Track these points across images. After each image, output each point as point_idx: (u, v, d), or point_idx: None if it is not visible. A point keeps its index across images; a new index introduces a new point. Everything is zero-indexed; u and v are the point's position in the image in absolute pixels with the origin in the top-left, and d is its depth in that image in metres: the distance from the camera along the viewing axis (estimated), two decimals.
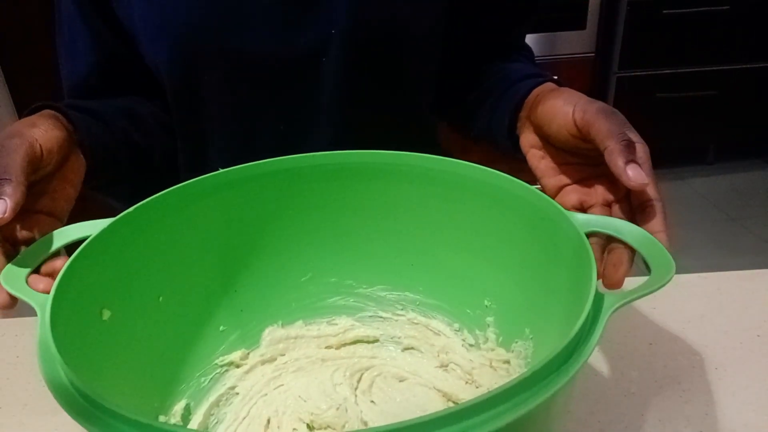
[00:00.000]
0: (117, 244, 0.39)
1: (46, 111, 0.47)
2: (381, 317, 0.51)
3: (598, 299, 0.30)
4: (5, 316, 0.62)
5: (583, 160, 0.44)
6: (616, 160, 0.38)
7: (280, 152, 0.47)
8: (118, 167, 0.57)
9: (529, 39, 0.70)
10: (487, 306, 0.46)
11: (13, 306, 0.37)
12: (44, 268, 0.39)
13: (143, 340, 0.41)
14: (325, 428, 0.43)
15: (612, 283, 0.36)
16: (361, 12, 0.57)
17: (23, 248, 0.40)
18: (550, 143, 0.47)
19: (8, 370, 0.55)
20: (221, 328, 0.48)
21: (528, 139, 0.50)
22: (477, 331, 0.47)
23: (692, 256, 1.71)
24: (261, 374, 0.48)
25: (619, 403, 0.46)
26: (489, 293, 0.46)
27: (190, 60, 0.58)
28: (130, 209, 0.41)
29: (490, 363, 0.45)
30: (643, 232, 0.35)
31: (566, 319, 0.34)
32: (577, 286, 0.32)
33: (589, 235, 0.35)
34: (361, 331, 0.51)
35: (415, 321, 0.50)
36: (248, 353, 0.49)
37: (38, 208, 0.42)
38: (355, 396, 0.45)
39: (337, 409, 0.43)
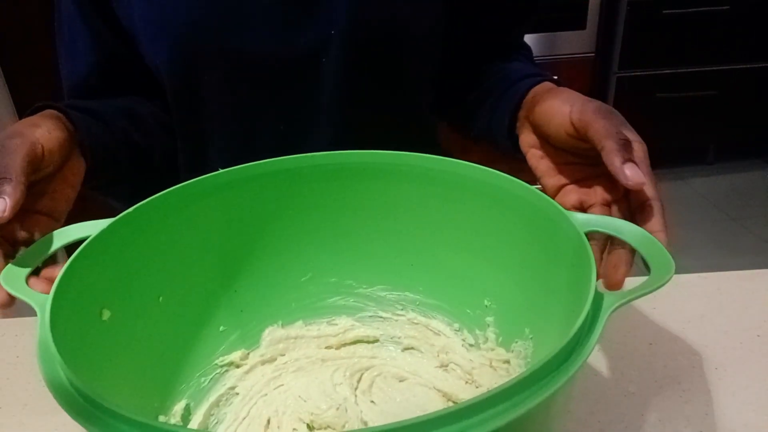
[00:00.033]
0: (117, 244, 0.39)
1: (48, 111, 0.48)
2: (381, 317, 0.51)
3: (598, 299, 0.30)
4: (5, 316, 0.62)
5: (582, 160, 0.44)
6: (613, 160, 0.38)
7: (280, 152, 0.47)
8: (118, 167, 0.57)
9: (529, 39, 0.70)
10: (487, 306, 0.46)
11: (11, 304, 0.37)
12: (43, 273, 0.39)
13: (143, 340, 0.41)
14: (325, 428, 0.43)
15: (612, 284, 0.36)
16: (361, 12, 0.57)
17: (22, 248, 0.40)
18: (549, 143, 0.47)
19: (8, 370, 0.55)
20: (221, 328, 0.48)
21: (527, 139, 0.50)
22: (477, 331, 0.47)
23: (692, 256, 1.71)
24: (261, 374, 0.48)
25: (619, 403, 0.46)
26: (489, 293, 0.46)
27: (190, 60, 0.58)
28: (130, 209, 0.41)
29: (490, 363, 0.45)
30: (642, 232, 0.35)
31: (566, 318, 0.34)
32: (577, 286, 0.32)
33: (588, 234, 0.35)
34: (361, 331, 0.51)
35: (415, 321, 0.50)
36: (248, 353, 0.49)
37: (38, 209, 0.43)
38: (355, 396, 0.45)
39: (337, 409, 0.43)
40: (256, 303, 0.49)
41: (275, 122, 0.62)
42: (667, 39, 2.14)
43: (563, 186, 0.45)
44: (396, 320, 0.51)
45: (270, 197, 0.47)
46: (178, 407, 0.43)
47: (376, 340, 0.51)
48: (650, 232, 0.36)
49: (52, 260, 0.40)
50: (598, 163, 0.40)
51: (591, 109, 0.41)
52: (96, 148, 0.51)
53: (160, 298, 0.43)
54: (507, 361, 0.44)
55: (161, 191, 0.43)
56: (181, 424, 0.42)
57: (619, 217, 0.40)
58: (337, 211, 0.48)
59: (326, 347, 0.50)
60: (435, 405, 0.44)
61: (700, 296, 0.58)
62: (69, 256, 0.36)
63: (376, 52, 0.59)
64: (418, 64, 0.63)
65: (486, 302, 0.46)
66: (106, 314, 0.38)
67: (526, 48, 0.69)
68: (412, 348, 0.50)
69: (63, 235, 0.40)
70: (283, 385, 0.47)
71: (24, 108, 0.48)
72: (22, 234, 0.40)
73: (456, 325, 0.48)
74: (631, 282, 0.34)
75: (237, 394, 0.46)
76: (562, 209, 0.37)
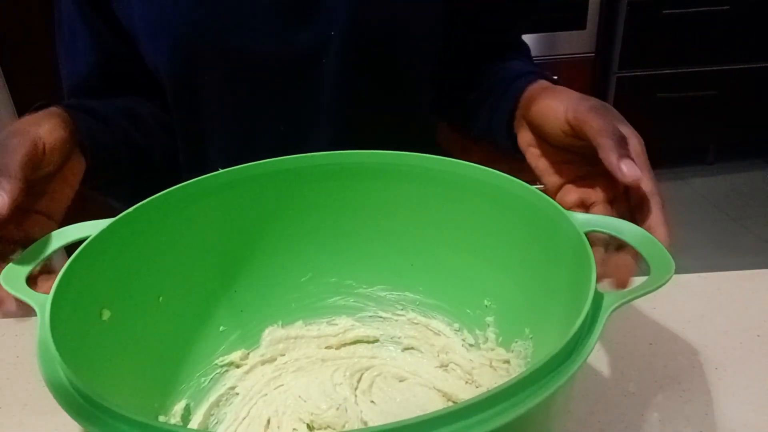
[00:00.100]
0: (117, 244, 0.39)
1: (52, 109, 0.47)
2: (381, 317, 0.51)
3: (598, 299, 0.30)
4: (5, 316, 0.62)
5: (581, 158, 0.44)
6: (609, 157, 0.38)
7: (280, 152, 0.47)
8: (118, 167, 0.57)
9: (529, 39, 0.70)
10: (487, 306, 0.46)
11: (14, 309, 0.36)
12: (39, 282, 0.39)
13: (143, 340, 0.41)
14: (325, 428, 0.43)
15: (620, 283, 0.36)
16: (361, 12, 0.57)
17: (20, 249, 0.40)
18: (546, 142, 0.47)
19: (8, 370, 0.55)
20: (221, 328, 0.48)
21: (525, 138, 0.50)
22: (477, 331, 0.47)
23: (692, 256, 1.71)
24: (261, 374, 0.48)
25: (619, 403, 0.46)
26: (489, 293, 0.46)
27: (190, 60, 0.58)
28: (130, 209, 0.41)
29: (490, 363, 0.45)
30: (642, 232, 0.35)
31: (566, 318, 0.34)
32: (577, 286, 0.32)
33: (588, 234, 0.35)
34: (361, 331, 0.51)
35: (415, 321, 0.50)
36: (248, 353, 0.49)
37: (37, 209, 0.42)
38: (355, 396, 0.45)
39: (337, 409, 0.43)
40: (256, 303, 0.49)
41: (275, 122, 0.62)
42: (667, 39, 2.14)
43: (564, 184, 0.45)
44: (396, 320, 0.51)
45: (270, 197, 0.47)
46: (178, 407, 0.43)
47: (376, 340, 0.51)
48: (649, 228, 0.36)
49: (47, 268, 0.40)
50: (597, 160, 0.40)
51: (586, 107, 0.41)
52: (96, 148, 0.50)
53: (160, 298, 0.43)
54: (507, 361, 0.44)
55: (161, 191, 0.43)
56: (181, 424, 0.42)
57: (621, 214, 0.40)
58: (337, 211, 0.48)
59: (326, 347, 0.50)
60: (435, 405, 0.44)
61: (700, 296, 0.58)
62: (69, 256, 0.36)
63: (376, 52, 0.59)
64: (417, 64, 0.63)
65: (486, 302, 0.46)
66: (106, 314, 0.38)
67: (524, 46, 0.69)
68: (412, 348, 0.50)
69: (63, 235, 0.40)
70: (283, 385, 0.47)
71: (24, 108, 0.48)
72: (20, 233, 0.40)
73: (456, 325, 0.48)
74: (631, 281, 0.34)
75: (237, 394, 0.46)
76: (562, 209, 0.37)
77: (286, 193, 0.47)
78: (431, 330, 0.49)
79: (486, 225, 0.44)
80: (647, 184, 0.38)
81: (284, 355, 0.49)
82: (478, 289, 0.46)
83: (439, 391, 0.46)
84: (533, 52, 0.69)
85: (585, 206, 0.43)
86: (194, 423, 0.43)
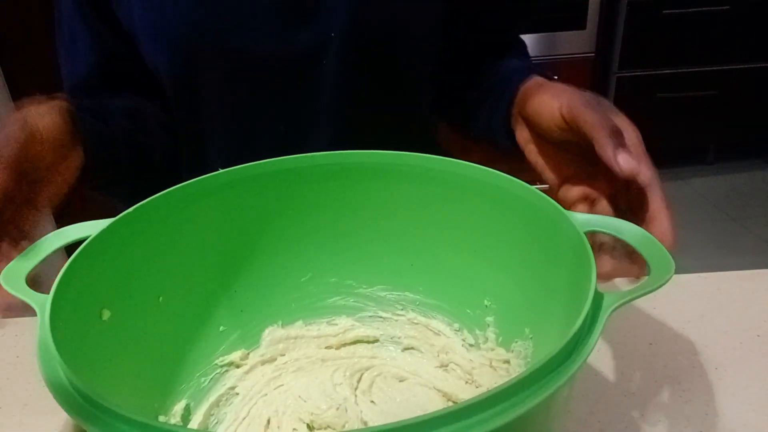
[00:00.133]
0: (117, 244, 0.39)
1: (57, 102, 0.48)
2: (381, 317, 0.51)
3: (598, 298, 0.30)
4: (5, 316, 0.62)
5: (580, 153, 0.44)
6: (605, 151, 0.38)
7: (280, 152, 0.47)
8: (118, 167, 0.57)
9: (529, 39, 0.70)
10: (487, 306, 0.46)
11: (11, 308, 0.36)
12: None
13: (143, 340, 0.41)
14: (325, 428, 0.43)
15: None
16: (361, 13, 0.57)
17: (20, 248, 0.40)
18: (543, 138, 0.47)
19: (8, 370, 0.55)
20: (221, 328, 0.48)
21: (523, 135, 0.50)
22: (477, 331, 0.47)
23: (692, 256, 1.71)
24: (261, 374, 0.48)
25: (619, 403, 0.46)
26: (489, 293, 0.46)
27: (190, 60, 0.58)
28: (130, 209, 0.41)
29: (490, 363, 0.45)
30: (642, 232, 0.35)
31: (566, 318, 0.34)
32: (577, 286, 0.32)
33: (588, 234, 0.35)
34: (361, 331, 0.51)
35: (415, 321, 0.50)
36: (248, 353, 0.49)
37: (28, 201, 0.42)
38: (355, 396, 0.45)
39: (337, 409, 0.43)
40: (256, 303, 0.49)
41: (275, 122, 0.62)
42: (667, 39, 2.14)
43: (565, 180, 0.45)
44: (396, 320, 0.51)
45: (270, 197, 0.47)
46: (178, 407, 0.43)
47: (376, 340, 0.51)
48: (652, 217, 0.36)
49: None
50: (594, 155, 0.40)
51: (579, 101, 0.41)
52: (96, 148, 0.51)
53: (160, 298, 0.43)
54: (507, 361, 0.44)
55: (161, 191, 0.43)
56: (181, 424, 0.42)
57: (624, 207, 0.40)
58: (337, 211, 0.48)
59: (326, 347, 0.50)
60: (435, 405, 0.44)
61: (700, 296, 0.58)
62: (69, 256, 0.36)
63: (375, 52, 0.59)
64: (417, 64, 0.63)
65: (486, 302, 0.46)
66: (106, 314, 0.38)
67: (522, 44, 0.69)
68: (412, 348, 0.50)
69: (62, 235, 0.40)
70: (283, 385, 0.47)
71: None
72: (11, 226, 0.40)
73: (456, 325, 0.48)
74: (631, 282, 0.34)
75: (237, 394, 0.46)
76: (562, 209, 0.37)
77: (286, 193, 0.47)
78: (431, 330, 0.49)
79: (486, 225, 0.44)
80: (645, 173, 0.38)
81: (284, 355, 0.49)
82: (478, 289, 0.46)
83: (439, 391, 0.46)
84: (533, 52, 0.70)
85: (589, 202, 0.43)
86: (194, 423, 0.43)
